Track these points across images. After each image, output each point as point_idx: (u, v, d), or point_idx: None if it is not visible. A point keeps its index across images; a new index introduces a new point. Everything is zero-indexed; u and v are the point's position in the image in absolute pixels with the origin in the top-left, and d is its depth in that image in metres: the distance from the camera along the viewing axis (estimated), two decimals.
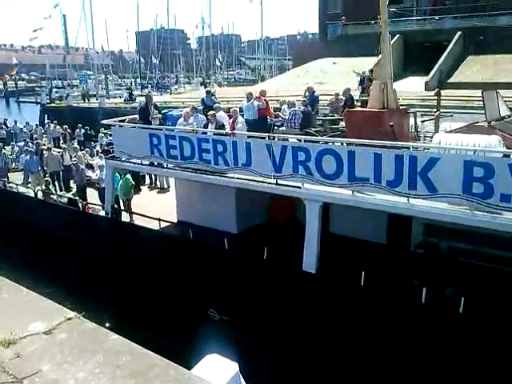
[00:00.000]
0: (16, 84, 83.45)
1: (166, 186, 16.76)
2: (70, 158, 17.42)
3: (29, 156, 16.81)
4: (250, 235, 12.11)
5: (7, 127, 26.78)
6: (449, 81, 40.67)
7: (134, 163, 12.25)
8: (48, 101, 56.06)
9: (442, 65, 42.38)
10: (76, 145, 21.38)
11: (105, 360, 2.69)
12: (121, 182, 13.30)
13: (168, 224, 12.74)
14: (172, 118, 12.89)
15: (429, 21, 48.25)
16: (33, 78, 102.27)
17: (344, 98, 13.75)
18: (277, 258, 9.88)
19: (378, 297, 8.69)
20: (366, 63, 42.47)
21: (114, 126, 12.48)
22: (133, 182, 13.76)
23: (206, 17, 75.64)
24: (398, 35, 49.07)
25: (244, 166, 10.13)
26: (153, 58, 69.29)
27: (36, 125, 25.85)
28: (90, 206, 13.59)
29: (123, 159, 12.42)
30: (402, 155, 8.18)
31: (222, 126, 11.17)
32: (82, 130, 24.66)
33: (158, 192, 16.54)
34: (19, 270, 12.85)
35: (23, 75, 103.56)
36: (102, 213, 13.41)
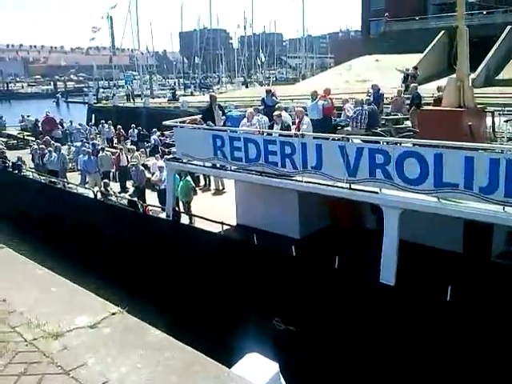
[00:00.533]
0: (65, 85, 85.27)
1: (220, 188, 16.24)
2: (127, 158, 17.14)
3: (87, 157, 16.59)
4: (314, 241, 11.40)
5: (63, 127, 26.81)
6: (497, 77, 38.73)
7: (197, 165, 11.71)
8: (95, 101, 56.69)
9: (489, 61, 40.37)
10: (130, 145, 21.10)
11: (147, 355, 2.73)
12: (181, 183, 12.82)
13: (227, 227, 12.23)
14: (232, 118, 12.30)
15: (476, 16, 46.18)
16: (81, 78, 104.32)
17: (410, 96, 12.88)
18: (349, 268, 9.17)
19: (469, 314, 7.84)
20: (410, 60, 41.30)
21: (175, 127, 11.96)
22: (193, 184, 13.26)
23: (248, 16, 75.10)
24: (443, 31, 47.29)
25: (314, 169, 9.41)
26: (196, 58, 69.22)
27: (90, 125, 25.67)
28: (150, 207, 13.16)
29: (184, 161, 11.92)
30: (498, 159, 7.31)
31: (289, 127, 10.49)
32: (136, 131, 24.32)
33: (214, 194, 16.02)
34: (73, 268, 12.63)
35: (72, 76, 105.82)
36: (162, 215, 12.98)
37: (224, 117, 11.96)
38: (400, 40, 48.75)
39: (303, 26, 62.97)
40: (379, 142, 9.46)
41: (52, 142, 19.82)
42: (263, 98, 12.93)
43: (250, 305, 10.85)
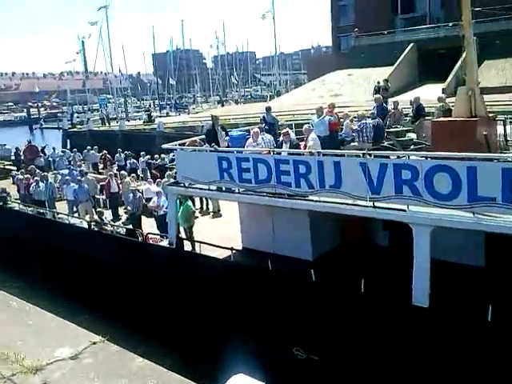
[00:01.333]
0: (39, 111, 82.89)
1: (216, 210, 15.45)
2: (117, 184, 16.16)
3: (77, 185, 15.52)
4: (328, 262, 10.70)
5: (45, 155, 25.46)
6: None
7: (201, 189, 10.91)
8: (69, 126, 55.41)
9: (458, 71, 40.99)
10: (117, 170, 20.08)
11: None
12: (181, 208, 11.98)
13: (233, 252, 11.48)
14: (233, 139, 11.56)
15: (442, 28, 47.02)
16: (54, 104, 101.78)
17: (413, 107, 12.42)
18: (375, 290, 8.48)
19: None
20: (381, 73, 41.67)
21: (176, 150, 11.14)
22: (193, 208, 12.44)
23: (221, 36, 74.95)
24: (411, 44, 47.99)
25: (332, 188, 8.75)
26: (170, 79, 68.42)
27: (74, 151, 24.38)
28: (150, 235, 12.22)
29: (186, 185, 11.12)
30: None
31: (298, 145, 9.82)
32: (122, 155, 23.13)
33: (212, 217, 15.19)
34: (67, 301, 11.74)
35: (45, 102, 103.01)
36: (163, 243, 12.10)
37: (227, 137, 11.21)
38: (370, 54, 49.36)
39: (275, 44, 62.93)
40: (388, 157, 8.91)
41: (37, 170, 18.65)
42: (264, 116, 12.25)
43: (264, 334, 10.07)
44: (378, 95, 12.53)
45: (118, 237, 12.71)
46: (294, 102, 47.72)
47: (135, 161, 22.05)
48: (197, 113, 59.34)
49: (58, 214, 15.09)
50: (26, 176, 17.58)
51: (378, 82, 35.63)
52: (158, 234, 12.44)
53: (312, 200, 9.04)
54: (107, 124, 54.32)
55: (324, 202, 8.85)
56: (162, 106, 67.54)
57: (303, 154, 9.60)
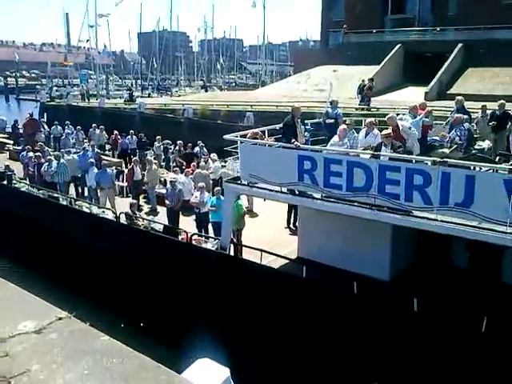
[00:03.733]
0: (16, 81, 76.70)
1: (251, 208, 13.31)
2: (141, 171, 13.58)
3: (99, 170, 12.90)
4: (408, 284, 8.86)
5: (44, 129, 21.83)
6: (449, 92, 38.36)
7: (270, 190, 8.76)
8: (48, 99, 51.14)
9: (442, 76, 40.11)
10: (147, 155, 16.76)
11: (94, 361, 2.51)
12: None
13: (285, 261, 9.52)
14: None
15: (430, 32, 45.91)
16: (33, 75, 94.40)
17: (493, 114, 10.71)
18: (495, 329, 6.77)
19: None
20: (366, 71, 40.16)
21: (242, 142, 8.89)
22: (245, 209, 10.34)
23: (209, 20, 71.36)
24: (398, 45, 46.71)
25: (458, 207, 6.89)
26: (154, 59, 64.48)
27: (78, 128, 20.96)
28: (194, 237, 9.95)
29: (247, 183, 8.98)
30: None
31: (401, 147, 7.82)
32: (134, 137, 19.03)
33: (249, 216, 13.05)
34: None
35: (24, 72, 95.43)
36: (207, 245, 9.95)
37: (307, 133, 9.06)
38: (357, 52, 47.77)
39: (264, 33, 59.78)
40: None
41: (46, 148, 15.76)
42: (327, 111, 10.19)
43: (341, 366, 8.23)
44: (460, 97, 10.61)
45: (152, 234, 10.29)
46: (277, 93, 45.65)
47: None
48: (179, 96, 56.31)
49: (75, 200, 12.42)
50: (36, 154, 14.60)
51: (363, 81, 34.15)
52: (204, 236, 10.21)
53: (433, 219, 7.10)
54: (87, 100, 50.59)
55: (450, 222, 6.95)
56: (144, 86, 63.59)
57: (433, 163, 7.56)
